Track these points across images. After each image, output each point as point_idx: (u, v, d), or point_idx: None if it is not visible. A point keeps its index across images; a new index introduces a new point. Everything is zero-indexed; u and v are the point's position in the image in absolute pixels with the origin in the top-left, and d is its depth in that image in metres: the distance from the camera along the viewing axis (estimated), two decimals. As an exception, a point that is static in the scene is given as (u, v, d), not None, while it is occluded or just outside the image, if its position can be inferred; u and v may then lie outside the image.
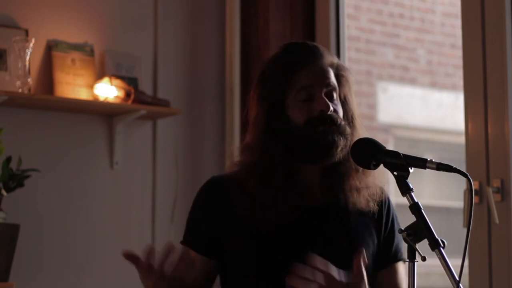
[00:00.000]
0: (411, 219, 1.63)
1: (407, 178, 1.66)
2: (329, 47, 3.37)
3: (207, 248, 1.89)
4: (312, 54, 1.88)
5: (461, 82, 2.82)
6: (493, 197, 2.59)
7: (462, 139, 2.76)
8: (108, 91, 3.15)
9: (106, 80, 3.16)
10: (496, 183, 2.61)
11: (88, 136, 3.23)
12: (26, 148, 3.06)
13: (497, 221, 2.59)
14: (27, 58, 2.99)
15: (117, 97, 3.16)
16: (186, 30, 3.50)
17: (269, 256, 1.83)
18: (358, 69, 6.95)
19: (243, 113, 3.37)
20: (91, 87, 3.17)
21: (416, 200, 1.63)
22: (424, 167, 1.66)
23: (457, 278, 1.55)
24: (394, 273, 1.96)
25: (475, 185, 2.64)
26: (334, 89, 1.89)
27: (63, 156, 3.17)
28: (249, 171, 1.86)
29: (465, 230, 1.61)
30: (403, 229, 1.63)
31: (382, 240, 1.95)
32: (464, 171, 1.63)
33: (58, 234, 3.13)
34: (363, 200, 1.89)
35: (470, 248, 2.64)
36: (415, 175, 1.68)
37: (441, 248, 1.57)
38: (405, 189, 1.64)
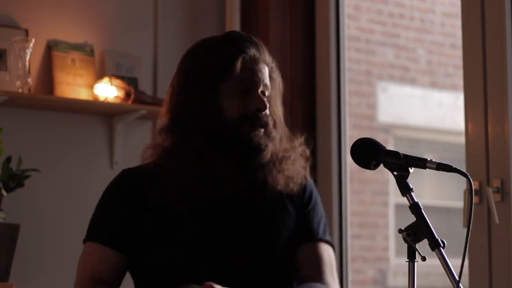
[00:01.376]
0: (411, 219, 1.63)
1: (407, 178, 1.66)
2: (329, 47, 3.37)
3: (122, 242, 1.86)
4: (257, 49, 1.88)
5: (461, 82, 2.82)
6: (493, 197, 2.60)
7: (462, 139, 2.76)
8: (108, 91, 3.15)
9: (106, 80, 3.16)
10: (496, 183, 2.61)
11: (88, 136, 3.23)
12: (26, 148, 3.06)
13: (497, 221, 2.59)
14: (27, 58, 3.00)
15: (117, 97, 3.16)
16: (186, 30, 3.50)
17: (182, 249, 1.82)
18: (358, 69, 6.96)
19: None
20: (91, 87, 3.17)
21: (416, 200, 1.63)
22: (424, 167, 1.66)
23: (457, 278, 1.55)
24: (311, 252, 1.95)
25: (475, 185, 2.64)
26: (268, 88, 1.89)
27: (63, 156, 3.17)
28: (166, 158, 1.85)
29: (465, 230, 1.61)
30: (403, 229, 1.63)
31: (299, 216, 1.95)
32: (464, 171, 1.62)
33: (58, 234, 3.13)
34: (282, 181, 1.89)
35: (470, 248, 2.64)
36: (415, 175, 1.68)
37: (441, 248, 1.57)
38: (405, 189, 1.64)
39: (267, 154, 1.85)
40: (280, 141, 1.90)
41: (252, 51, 1.87)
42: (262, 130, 1.84)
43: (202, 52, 1.89)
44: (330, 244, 2.00)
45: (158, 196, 1.82)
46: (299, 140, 1.95)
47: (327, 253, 1.98)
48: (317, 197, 2.02)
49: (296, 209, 1.95)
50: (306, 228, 1.97)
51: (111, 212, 1.90)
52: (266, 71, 1.89)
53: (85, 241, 1.94)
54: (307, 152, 1.96)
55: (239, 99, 1.84)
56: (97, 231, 1.91)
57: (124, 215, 1.87)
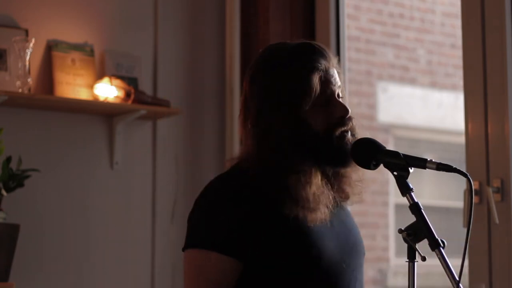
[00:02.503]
0: (411, 219, 1.63)
1: (407, 178, 1.66)
2: (329, 47, 3.37)
3: (243, 251, 1.76)
4: (327, 58, 1.86)
5: (461, 82, 2.82)
6: (493, 197, 2.60)
7: (462, 139, 2.76)
8: (108, 91, 3.15)
9: (106, 80, 3.16)
10: (496, 183, 2.61)
11: (88, 136, 3.23)
12: (26, 148, 3.06)
13: (497, 221, 2.59)
14: (27, 58, 3.00)
15: (117, 97, 3.16)
16: (186, 30, 3.50)
17: (311, 256, 1.79)
18: (358, 69, 6.96)
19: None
20: (91, 87, 3.17)
21: (416, 200, 1.63)
22: (424, 167, 1.66)
23: (457, 278, 1.55)
24: None
25: (475, 185, 2.64)
26: (341, 89, 1.90)
27: (63, 156, 3.17)
28: (276, 176, 1.79)
29: (465, 230, 1.61)
30: (403, 229, 1.63)
31: None
32: (464, 171, 1.62)
33: (58, 234, 3.13)
34: (355, 194, 1.90)
35: (470, 248, 2.64)
36: (415, 175, 1.68)
37: (441, 248, 1.57)
38: (405, 189, 1.64)
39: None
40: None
41: (324, 63, 1.85)
42: (349, 133, 1.84)
43: (275, 72, 1.86)
44: None
45: (277, 204, 1.78)
46: None
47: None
48: None
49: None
50: None
51: (231, 217, 1.78)
52: (336, 74, 1.88)
53: (194, 247, 1.79)
54: None
55: (322, 111, 1.83)
56: (211, 238, 1.77)
57: (238, 220, 1.77)
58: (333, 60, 1.89)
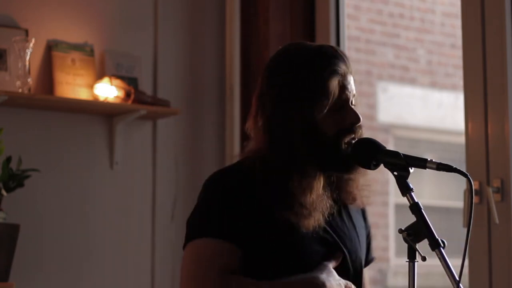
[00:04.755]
0: (411, 219, 1.63)
1: (407, 178, 1.66)
2: (329, 47, 3.37)
3: (244, 238, 1.78)
4: (346, 64, 1.86)
5: (461, 82, 2.82)
6: (493, 197, 2.59)
7: (462, 139, 2.76)
8: (108, 91, 3.15)
9: (106, 80, 3.16)
10: (496, 183, 2.61)
11: (88, 136, 3.23)
12: (26, 148, 3.06)
13: (497, 221, 2.59)
14: (27, 58, 3.00)
15: (117, 97, 3.16)
16: (186, 30, 3.50)
17: (297, 261, 1.81)
18: (358, 69, 6.96)
19: (243, 113, 3.39)
20: (91, 87, 3.17)
21: (416, 200, 1.63)
22: (424, 167, 1.66)
23: (457, 278, 1.55)
24: (366, 273, 2.01)
25: (475, 185, 2.64)
26: (355, 97, 1.89)
27: (63, 156, 3.17)
28: (281, 171, 1.80)
29: (465, 230, 1.61)
30: (403, 229, 1.63)
31: (366, 240, 2.00)
32: (464, 171, 1.62)
33: (58, 234, 3.13)
34: (363, 197, 1.91)
35: (470, 248, 2.64)
36: (415, 175, 1.68)
37: (441, 248, 1.57)
38: (405, 189, 1.64)
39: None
40: None
41: (343, 68, 1.84)
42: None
43: (294, 72, 1.85)
44: None
45: (279, 203, 1.79)
46: None
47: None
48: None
49: (363, 228, 1.99)
50: (369, 253, 2.02)
51: (234, 206, 1.81)
52: (352, 81, 1.88)
53: (197, 237, 1.81)
54: None
55: (335, 115, 1.82)
56: (220, 226, 1.80)
57: (246, 211, 1.80)
58: (351, 67, 1.88)
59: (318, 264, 1.80)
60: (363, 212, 2.02)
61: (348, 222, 1.93)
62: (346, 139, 1.81)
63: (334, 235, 1.86)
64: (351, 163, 1.81)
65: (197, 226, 1.82)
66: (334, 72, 1.82)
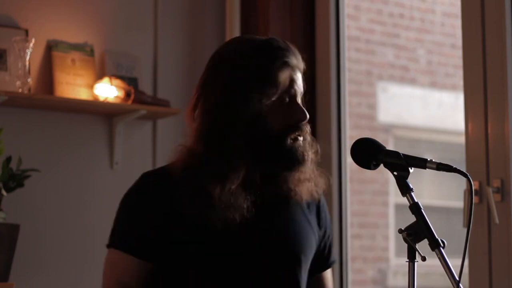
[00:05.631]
0: (411, 219, 1.63)
1: (407, 178, 1.66)
2: (329, 47, 3.37)
3: (153, 251, 1.80)
4: (296, 57, 1.84)
5: (461, 82, 2.82)
6: (493, 197, 2.59)
7: (462, 139, 2.76)
8: (108, 91, 3.15)
9: (106, 80, 3.16)
10: (496, 183, 2.61)
11: (88, 136, 3.23)
12: (26, 148, 3.06)
13: (497, 221, 2.59)
14: (27, 58, 3.00)
15: (117, 97, 3.16)
16: (186, 30, 3.50)
17: (228, 255, 1.80)
18: (358, 69, 6.96)
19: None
20: (91, 87, 3.17)
21: (416, 200, 1.63)
22: (424, 167, 1.66)
23: (457, 278, 1.55)
24: (327, 278, 1.99)
25: (475, 185, 2.64)
26: (301, 97, 1.87)
27: (63, 156, 3.17)
28: (205, 165, 1.78)
29: (465, 230, 1.61)
30: (403, 229, 1.63)
31: (321, 243, 1.96)
32: (464, 171, 1.62)
33: (58, 234, 3.13)
34: (307, 192, 1.87)
35: (470, 248, 2.64)
36: (415, 175, 1.68)
37: (441, 248, 1.57)
38: (405, 189, 1.64)
39: (308, 164, 1.83)
40: (310, 142, 1.89)
41: (294, 62, 1.83)
42: (301, 138, 1.83)
43: (243, 60, 1.83)
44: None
45: (191, 204, 1.78)
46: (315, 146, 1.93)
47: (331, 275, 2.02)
48: (327, 210, 2.02)
49: (315, 226, 1.95)
50: (327, 257, 1.98)
51: (144, 216, 1.83)
52: (301, 79, 1.86)
53: (109, 246, 1.88)
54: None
55: (282, 110, 1.80)
56: (123, 238, 1.85)
57: (152, 222, 1.81)
58: (302, 64, 1.86)
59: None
60: (318, 208, 1.96)
61: (292, 216, 1.88)
62: (292, 136, 1.80)
63: (270, 229, 1.83)
64: (294, 161, 1.80)
65: (115, 234, 1.88)
66: (285, 63, 1.81)
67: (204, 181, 1.77)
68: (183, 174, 1.80)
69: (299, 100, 1.84)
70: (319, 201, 1.95)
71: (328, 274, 1.99)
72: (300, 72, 1.86)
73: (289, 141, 1.80)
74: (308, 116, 1.83)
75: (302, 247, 1.87)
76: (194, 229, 1.79)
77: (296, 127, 1.81)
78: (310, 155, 1.84)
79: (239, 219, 1.77)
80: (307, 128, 1.84)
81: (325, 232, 1.97)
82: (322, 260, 1.96)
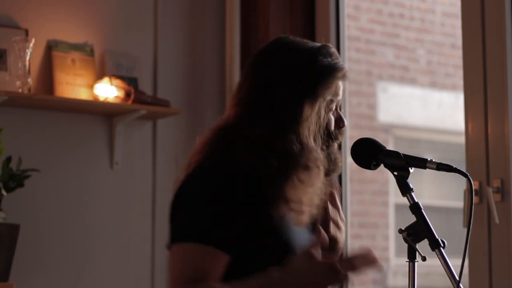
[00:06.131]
0: (411, 219, 1.63)
1: (407, 178, 1.66)
2: (329, 47, 3.37)
3: (230, 244, 1.74)
4: (343, 66, 1.85)
5: (461, 82, 2.82)
6: (493, 197, 2.60)
7: (462, 139, 2.76)
8: (108, 91, 3.15)
9: (106, 80, 3.16)
10: (496, 183, 2.61)
11: (88, 136, 3.23)
12: (26, 148, 3.06)
13: (497, 221, 2.59)
14: (27, 58, 3.00)
15: (117, 97, 3.16)
16: (186, 30, 3.50)
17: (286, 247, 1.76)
18: (358, 69, 6.96)
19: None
20: (91, 87, 3.17)
21: (416, 200, 1.63)
22: (425, 167, 1.66)
23: (457, 278, 1.55)
24: None
25: (475, 185, 2.64)
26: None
27: (63, 156, 3.17)
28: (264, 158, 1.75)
29: (465, 230, 1.61)
30: (403, 229, 1.63)
31: None
32: (464, 171, 1.63)
33: (58, 234, 3.13)
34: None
35: (470, 248, 2.64)
36: (415, 175, 1.68)
37: (441, 248, 1.57)
38: (405, 189, 1.64)
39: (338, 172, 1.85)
40: None
41: (344, 69, 1.83)
42: (336, 145, 1.84)
43: (308, 61, 1.81)
44: None
45: (251, 193, 1.75)
46: None
47: None
48: None
49: None
50: None
51: (213, 210, 1.76)
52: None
53: (179, 241, 1.78)
54: None
55: (327, 115, 1.82)
56: (205, 231, 1.75)
57: (224, 213, 1.75)
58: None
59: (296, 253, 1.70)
60: None
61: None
62: (332, 142, 1.81)
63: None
64: (334, 167, 1.81)
65: (180, 229, 1.79)
66: (340, 68, 1.81)
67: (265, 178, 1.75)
68: (239, 165, 1.77)
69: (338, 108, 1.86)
70: None
71: None
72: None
73: (328, 147, 1.81)
74: (346, 123, 1.85)
75: None
76: (261, 225, 1.75)
77: (335, 134, 1.83)
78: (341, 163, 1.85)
79: (308, 220, 1.77)
80: (342, 137, 1.86)
81: None
82: None
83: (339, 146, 1.89)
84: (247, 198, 1.75)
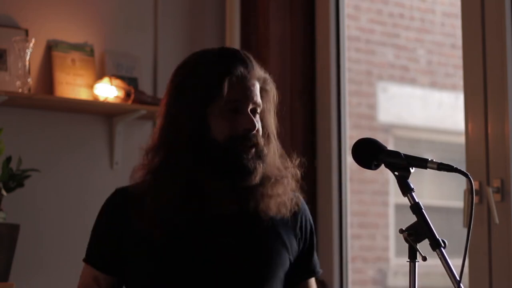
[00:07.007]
0: (412, 219, 1.63)
1: (408, 178, 1.66)
2: (329, 47, 3.37)
3: (111, 266, 1.89)
4: (246, 65, 1.82)
5: (461, 82, 2.82)
6: (493, 197, 2.60)
7: (462, 139, 2.76)
8: (108, 91, 3.15)
9: (106, 80, 3.16)
10: (496, 183, 2.61)
11: (88, 136, 3.23)
12: (26, 148, 3.06)
13: (497, 221, 2.59)
14: (27, 58, 3.00)
15: (117, 97, 3.16)
16: (186, 30, 3.50)
17: (165, 272, 1.80)
18: (358, 69, 6.96)
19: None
20: (91, 87, 3.17)
21: (417, 200, 1.63)
22: (425, 167, 1.66)
23: (458, 278, 1.55)
24: (311, 284, 1.98)
25: (475, 185, 2.64)
26: (259, 105, 1.85)
27: (63, 156, 3.17)
28: (151, 178, 1.83)
29: (465, 230, 1.61)
30: (404, 229, 1.63)
31: (299, 252, 1.94)
32: (465, 171, 1.63)
33: (58, 234, 3.13)
34: (274, 206, 1.85)
35: (470, 248, 2.64)
36: (415, 175, 1.68)
37: (442, 248, 1.57)
38: (406, 189, 1.64)
39: (257, 177, 1.80)
40: (273, 156, 1.86)
41: (239, 69, 1.80)
42: (253, 150, 1.80)
43: (191, 71, 1.85)
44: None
45: (138, 220, 1.81)
46: (293, 160, 1.91)
47: (316, 285, 2.01)
48: (312, 223, 2.00)
49: (292, 238, 1.92)
50: (308, 266, 1.97)
51: (102, 234, 1.93)
52: (256, 87, 1.83)
53: (84, 260, 1.98)
54: (299, 174, 1.91)
55: (229, 119, 1.79)
56: (90, 253, 1.95)
57: (113, 238, 1.88)
58: (258, 73, 1.85)
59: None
60: (295, 221, 1.93)
61: (248, 232, 1.86)
62: (241, 147, 1.79)
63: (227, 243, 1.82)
64: (244, 172, 1.79)
65: (87, 249, 1.96)
66: (225, 72, 1.79)
67: (153, 194, 1.80)
68: (141, 190, 1.84)
69: (252, 111, 1.82)
70: (296, 213, 1.93)
71: (312, 282, 1.98)
72: (255, 79, 1.84)
73: (234, 151, 1.78)
74: (256, 126, 1.81)
75: (262, 261, 1.85)
76: (141, 243, 1.82)
77: (241, 138, 1.79)
78: (259, 169, 1.81)
79: (182, 232, 1.79)
80: (259, 141, 1.82)
81: (304, 243, 1.95)
82: (303, 269, 1.95)
83: (261, 151, 1.82)
84: (134, 222, 1.82)
